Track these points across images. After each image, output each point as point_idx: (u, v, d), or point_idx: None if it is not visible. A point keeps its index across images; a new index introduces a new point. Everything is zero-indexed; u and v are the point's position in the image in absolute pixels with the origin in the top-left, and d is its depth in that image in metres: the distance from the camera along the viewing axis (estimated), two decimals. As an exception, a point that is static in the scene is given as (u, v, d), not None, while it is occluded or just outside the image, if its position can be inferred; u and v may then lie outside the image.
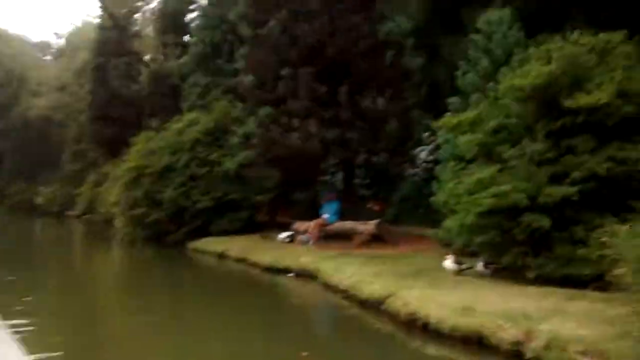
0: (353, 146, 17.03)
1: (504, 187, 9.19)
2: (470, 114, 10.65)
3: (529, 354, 6.30)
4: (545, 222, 8.97)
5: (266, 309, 10.50)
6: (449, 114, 13.04)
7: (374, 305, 9.45)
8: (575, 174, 8.95)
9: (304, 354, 7.06)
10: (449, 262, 10.45)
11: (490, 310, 7.44)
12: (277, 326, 9.06)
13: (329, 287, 11.63)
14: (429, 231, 17.46)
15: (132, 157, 22.40)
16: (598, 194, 9.08)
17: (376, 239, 16.33)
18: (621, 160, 8.86)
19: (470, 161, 10.65)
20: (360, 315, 9.37)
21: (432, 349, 7.49)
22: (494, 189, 9.27)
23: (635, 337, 5.74)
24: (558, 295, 8.05)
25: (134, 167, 21.60)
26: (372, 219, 17.67)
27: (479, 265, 10.25)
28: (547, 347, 6.09)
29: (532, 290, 8.52)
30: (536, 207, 9.15)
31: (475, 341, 7.13)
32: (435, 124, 12.11)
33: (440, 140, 14.24)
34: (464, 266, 10.41)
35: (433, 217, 22.22)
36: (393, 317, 8.67)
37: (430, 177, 21.56)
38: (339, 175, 21.14)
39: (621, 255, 7.47)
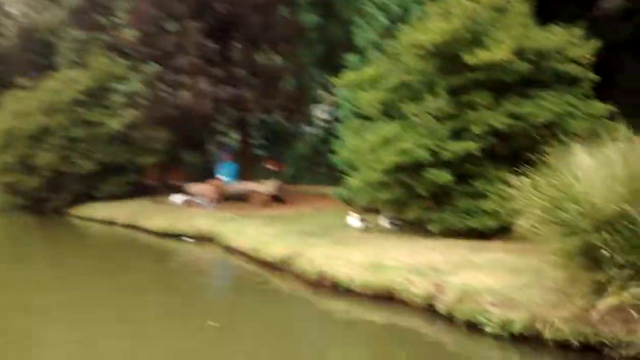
0: (248, 105, 16.47)
1: (407, 144, 9.18)
2: (370, 71, 10.50)
3: (441, 308, 6.32)
4: (447, 177, 9.09)
5: (164, 278, 9.93)
6: (346, 71, 12.87)
7: (279, 267, 9.21)
8: (475, 129, 9.11)
9: (212, 323, 6.67)
10: (353, 220, 10.40)
11: (399, 265, 7.42)
12: (178, 296, 8.52)
13: (231, 250, 11.25)
14: (329, 190, 17.52)
15: (2, 119, 20.35)
16: (496, 148, 9.34)
17: (276, 199, 16.08)
18: (518, 116, 9.10)
19: (371, 118, 10.55)
20: (266, 278, 9.08)
21: (342, 308, 7.38)
22: (397, 146, 9.24)
23: (543, 285, 5.90)
24: (463, 247, 8.20)
25: (5, 130, 19.64)
26: (269, 180, 17.38)
27: (383, 222, 10.29)
28: (459, 300, 6.13)
29: (438, 243, 8.64)
30: (438, 162, 9.25)
31: (386, 297, 7.09)
32: (334, 82, 11.87)
33: (338, 97, 14.06)
34: (368, 223, 10.40)
35: (331, 175, 22.43)
36: (300, 277, 8.47)
37: (327, 135, 21.59)
38: (234, 136, 20.53)
39: (527, 206, 7.74)
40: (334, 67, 17.71)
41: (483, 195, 9.16)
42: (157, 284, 9.39)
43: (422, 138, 9.34)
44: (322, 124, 21.57)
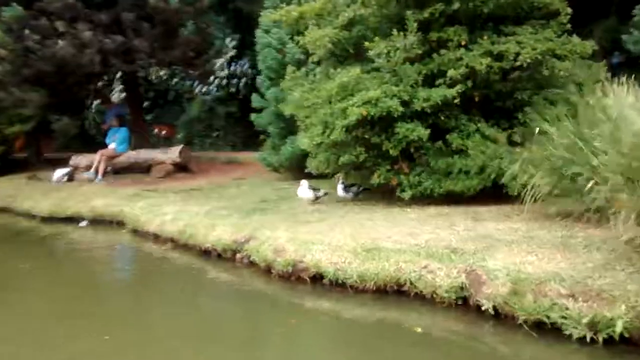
0: (140, 57, 13.84)
1: (374, 93, 7.47)
2: (315, 5, 8.55)
3: (483, 304, 4.77)
4: (422, 131, 7.51)
5: (62, 277, 7.44)
6: (268, 12, 10.86)
7: (226, 256, 7.24)
8: (452, 72, 7.56)
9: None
10: (304, 190, 8.58)
11: (401, 247, 5.77)
12: (86, 303, 6.19)
13: (146, 235, 9.02)
14: (239, 156, 15.52)
15: None
16: (473, 96, 7.90)
17: (181, 169, 13.80)
18: (498, 56, 7.67)
19: (319, 64, 8.70)
20: (210, 271, 7.05)
21: (346, 310, 5.45)
22: (362, 96, 7.49)
23: (622, 266, 4.52)
24: (460, 216, 6.73)
25: None
26: (164, 146, 15.04)
27: (341, 190, 8.57)
28: (513, 292, 4.59)
29: (424, 214, 7.11)
30: (409, 114, 7.65)
31: (393, 292, 5.44)
32: (266, 18, 9.79)
33: (260, 44, 11.96)
34: (321, 192, 8.64)
35: (230, 140, 20.30)
36: (261, 269, 6.56)
37: (228, 94, 19.34)
38: (121, 96, 17.69)
39: (536, 166, 6.40)
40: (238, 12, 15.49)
41: (460, 153, 7.74)
42: (57, 288, 6.98)
43: (390, 85, 7.67)
44: (219, 82, 19.23)
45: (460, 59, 7.63)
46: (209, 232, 7.72)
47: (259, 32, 12.04)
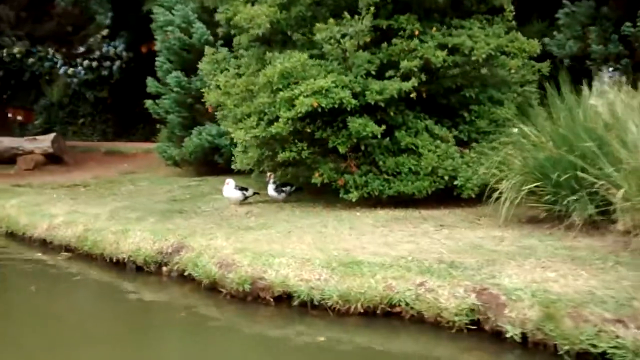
0: (1, 28, 11.67)
1: (323, 82, 6.57)
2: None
3: (508, 330, 4.07)
4: (375, 127, 6.75)
5: None
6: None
7: (146, 269, 5.95)
8: (405, 64, 6.87)
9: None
10: (231, 189, 7.44)
11: (383, 261, 4.94)
12: None
13: (29, 242, 7.37)
14: (137, 146, 13.87)
15: None
16: (422, 91, 7.28)
17: (52, 159, 11.88)
18: (452, 49, 7.13)
19: (252, 46, 7.58)
20: (133, 292, 5.71)
21: (343, 343, 4.42)
22: (310, 85, 6.55)
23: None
24: (419, 220, 6.17)
25: None
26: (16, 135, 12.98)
27: (270, 189, 7.55)
28: (548, 317, 3.94)
29: (381, 218, 6.39)
30: (359, 108, 6.85)
31: (380, 316, 4.58)
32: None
33: (159, 22, 10.48)
34: (249, 192, 7.56)
35: (102, 128, 18.19)
36: (202, 286, 5.40)
37: (98, 77, 17.30)
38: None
39: (508, 168, 5.93)
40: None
41: (408, 152, 7.11)
42: None
43: (337, 74, 6.82)
44: (91, 62, 17.11)
45: (414, 49, 6.97)
46: (121, 240, 6.35)
47: (158, 9, 10.55)
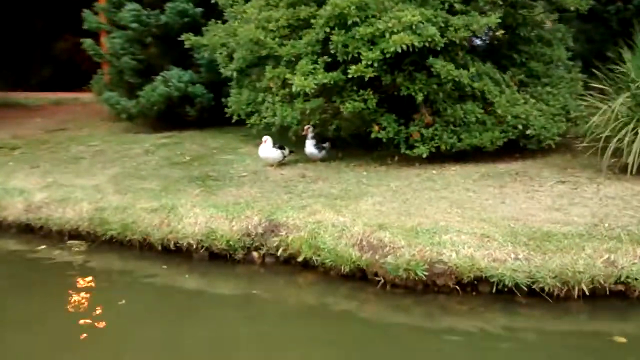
0: None
1: (411, 16, 5.39)
2: None
3: None
4: (462, 72, 5.77)
5: None
6: None
7: (233, 255, 4.57)
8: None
9: None
10: (268, 148, 6.04)
11: (568, 228, 4.16)
12: None
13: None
14: (56, 96, 11.43)
15: None
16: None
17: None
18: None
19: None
20: (274, 297, 4.27)
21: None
22: (396, 17, 5.37)
23: None
24: (514, 177, 5.41)
25: None
26: None
27: (310, 146, 6.26)
28: None
29: (467, 175, 5.54)
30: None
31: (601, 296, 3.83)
32: None
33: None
34: (286, 151, 6.22)
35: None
36: (330, 274, 4.20)
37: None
38: None
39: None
40: None
41: (472, 98, 6.25)
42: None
43: (420, 7, 5.70)
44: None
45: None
46: (173, 221, 4.82)
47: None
